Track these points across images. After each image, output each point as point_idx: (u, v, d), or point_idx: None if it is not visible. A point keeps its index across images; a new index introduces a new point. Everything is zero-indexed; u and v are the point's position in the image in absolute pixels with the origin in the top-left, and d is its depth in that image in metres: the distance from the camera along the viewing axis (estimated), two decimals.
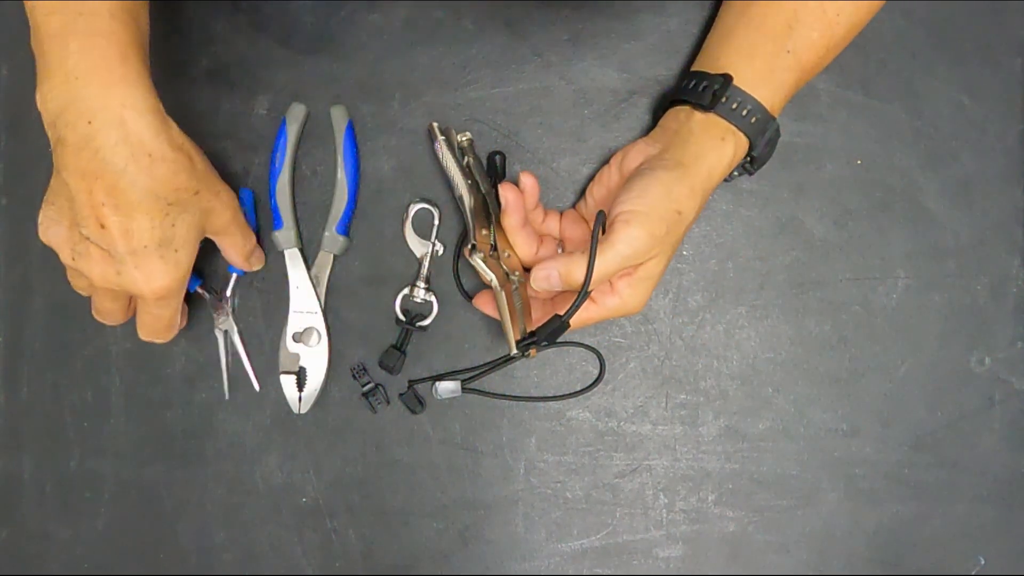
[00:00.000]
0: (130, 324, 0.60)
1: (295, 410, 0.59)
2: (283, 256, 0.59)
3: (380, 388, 0.60)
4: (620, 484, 0.60)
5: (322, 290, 0.60)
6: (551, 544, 0.60)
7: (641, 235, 0.48)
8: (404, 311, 0.60)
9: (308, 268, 0.60)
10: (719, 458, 0.60)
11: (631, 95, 0.61)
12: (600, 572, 0.60)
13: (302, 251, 0.59)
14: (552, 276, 0.50)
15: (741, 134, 0.52)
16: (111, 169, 0.43)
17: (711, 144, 0.52)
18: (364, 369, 0.60)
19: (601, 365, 0.60)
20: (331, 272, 0.60)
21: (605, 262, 0.48)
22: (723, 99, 0.52)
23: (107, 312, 0.52)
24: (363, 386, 0.60)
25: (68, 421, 0.60)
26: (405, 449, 0.60)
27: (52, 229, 0.46)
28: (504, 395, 0.60)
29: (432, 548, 0.60)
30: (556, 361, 0.60)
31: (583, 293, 0.48)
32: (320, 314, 0.59)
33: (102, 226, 0.44)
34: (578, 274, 0.48)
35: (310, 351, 0.59)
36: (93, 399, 0.60)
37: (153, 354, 0.60)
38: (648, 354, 0.60)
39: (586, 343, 0.60)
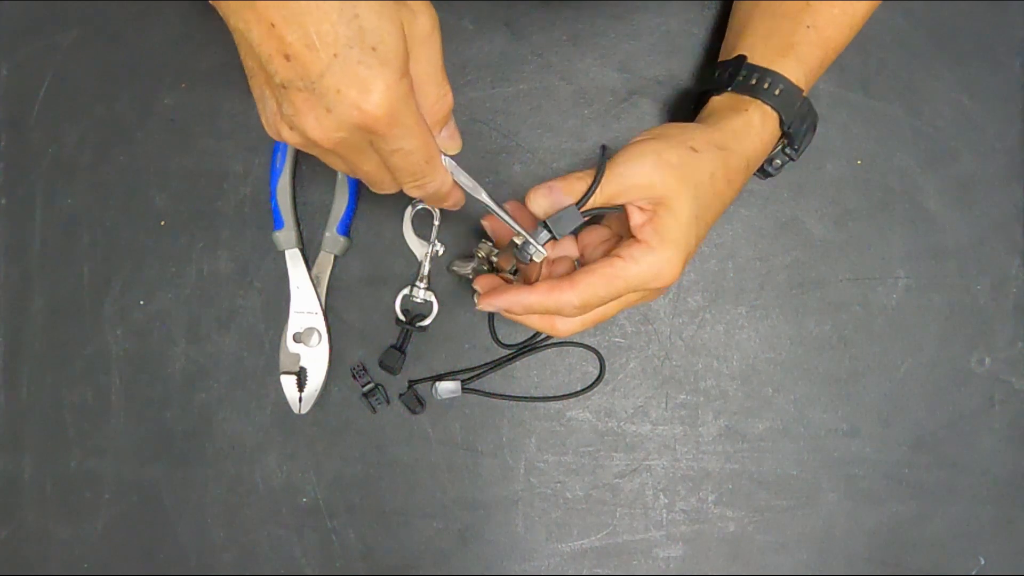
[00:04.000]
0: (130, 324, 0.60)
1: (295, 410, 0.59)
2: (284, 256, 0.59)
3: (380, 388, 0.60)
4: (620, 484, 0.60)
5: (322, 290, 0.60)
6: (551, 544, 0.60)
7: (647, 152, 0.46)
8: (404, 311, 0.60)
9: (309, 268, 0.60)
10: (719, 458, 0.60)
11: (631, 95, 0.61)
12: (600, 572, 0.60)
13: (303, 251, 0.59)
14: (554, 187, 0.46)
15: (766, 106, 0.51)
16: None
17: (732, 114, 0.51)
18: (364, 369, 0.60)
19: (601, 365, 0.60)
20: (331, 272, 0.60)
21: (609, 175, 0.46)
22: (740, 76, 0.51)
23: (372, 176, 0.44)
24: (363, 386, 0.60)
25: (68, 421, 0.60)
26: (405, 449, 0.60)
27: (264, 113, 0.41)
28: (504, 395, 0.60)
29: (432, 548, 0.60)
30: (556, 361, 0.60)
31: (596, 181, 0.45)
32: (320, 314, 0.59)
33: (287, 56, 0.37)
34: (580, 186, 0.46)
35: (310, 351, 0.59)
36: (93, 399, 0.60)
37: (153, 354, 0.60)
38: (648, 354, 0.60)
39: (586, 343, 0.60)
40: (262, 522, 0.60)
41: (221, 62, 0.61)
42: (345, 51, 0.36)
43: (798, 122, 0.53)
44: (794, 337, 0.61)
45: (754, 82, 0.51)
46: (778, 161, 0.55)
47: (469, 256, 0.57)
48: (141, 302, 0.60)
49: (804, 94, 0.52)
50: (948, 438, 0.60)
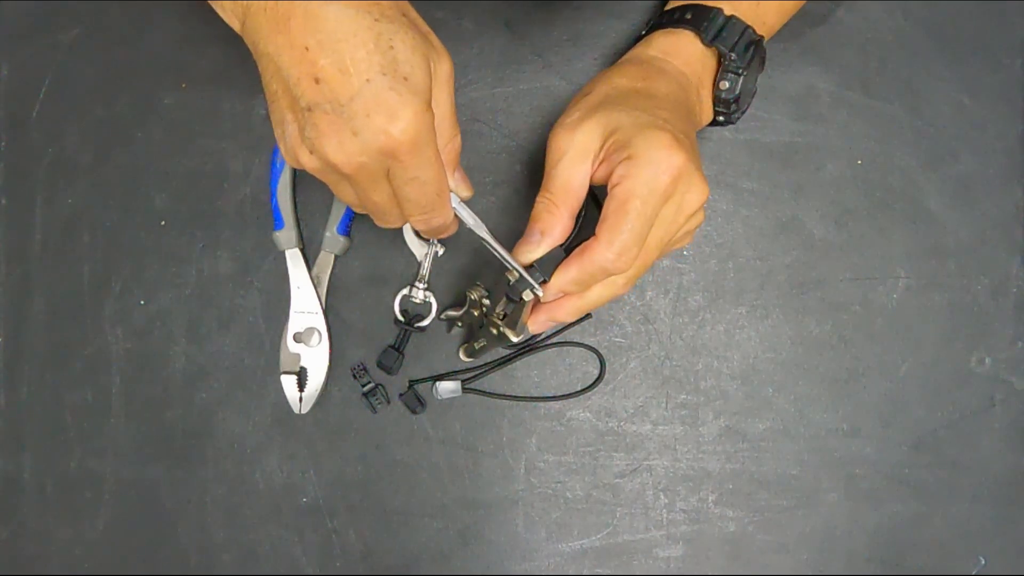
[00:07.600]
0: (130, 324, 0.60)
1: (295, 410, 0.59)
2: (284, 256, 0.59)
3: (380, 388, 0.60)
4: (620, 484, 0.60)
5: (323, 290, 0.60)
6: (551, 544, 0.60)
7: (567, 146, 0.47)
8: (403, 311, 0.60)
9: (309, 268, 0.60)
10: (719, 458, 0.60)
11: None
12: (600, 572, 0.60)
13: (303, 251, 0.60)
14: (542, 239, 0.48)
15: (678, 29, 0.52)
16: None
17: (655, 37, 0.53)
18: (364, 369, 0.60)
19: (601, 365, 0.60)
20: (332, 272, 0.60)
21: (555, 181, 0.47)
22: (662, 16, 0.54)
23: (381, 207, 0.44)
24: (363, 386, 0.60)
25: (68, 421, 0.60)
26: (405, 449, 0.60)
27: (284, 137, 0.42)
28: (504, 395, 0.60)
29: (432, 548, 0.60)
30: (556, 361, 0.60)
31: (577, 224, 0.49)
32: (321, 314, 0.59)
33: (316, 80, 0.38)
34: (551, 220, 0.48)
35: (311, 351, 0.59)
36: (93, 399, 0.60)
37: (153, 354, 0.60)
38: (648, 354, 0.60)
39: (586, 343, 0.60)
40: (262, 522, 0.60)
41: (221, 62, 0.61)
42: (379, 77, 0.38)
43: (738, 44, 0.51)
44: (794, 337, 0.61)
45: (675, 16, 0.53)
46: (726, 83, 0.52)
47: (461, 303, 0.57)
48: (141, 302, 0.60)
49: (725, 12, 0.51)
50: (948, 438, 0.60)
